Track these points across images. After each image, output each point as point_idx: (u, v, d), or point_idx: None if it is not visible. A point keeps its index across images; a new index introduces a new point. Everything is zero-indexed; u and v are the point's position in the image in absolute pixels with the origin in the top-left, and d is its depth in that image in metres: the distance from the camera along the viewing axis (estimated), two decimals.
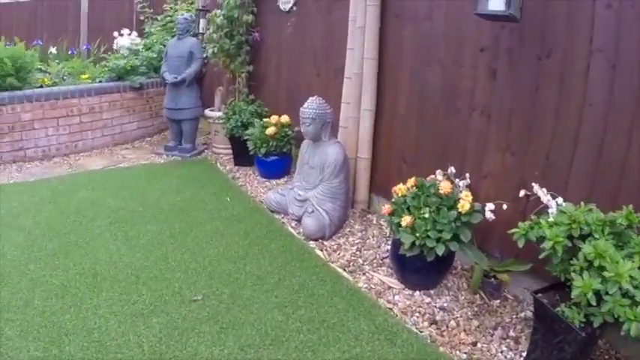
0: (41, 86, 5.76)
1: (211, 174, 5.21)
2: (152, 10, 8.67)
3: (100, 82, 6.17)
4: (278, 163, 4.95)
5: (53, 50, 7.30)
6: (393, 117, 4.01)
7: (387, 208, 3.14)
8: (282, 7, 5.32)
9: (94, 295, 2.85)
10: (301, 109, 3.88)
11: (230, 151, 5.71)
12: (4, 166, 5.49)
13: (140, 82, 6.35)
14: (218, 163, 5.66)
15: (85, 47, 8.01)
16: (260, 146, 4.80)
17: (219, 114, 5.84)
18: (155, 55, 6.85)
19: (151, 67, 6.82)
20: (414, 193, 3.08)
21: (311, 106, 3.84)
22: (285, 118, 4.89)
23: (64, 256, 3.31)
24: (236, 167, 5.49)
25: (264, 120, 4.99)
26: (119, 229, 3.74)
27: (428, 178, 3.25)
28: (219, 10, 5.74)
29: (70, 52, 7.43)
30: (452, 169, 3.30)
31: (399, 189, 3.16)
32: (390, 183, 4.12)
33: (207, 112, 6.08)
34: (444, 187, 2.97)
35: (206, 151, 6.20)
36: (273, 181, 4.98)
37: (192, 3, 8.58)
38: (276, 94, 5.72)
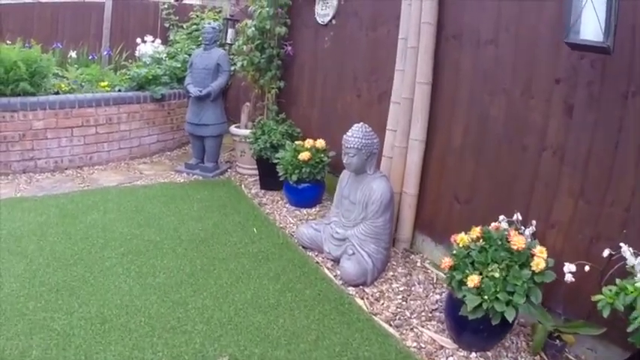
0: (57, 92, 5.46)
1: (235, 198, 4.82)
2: (177, 18, 8.46)
3: (120, 90, 5.86)
4: (310, 191, 4.55)
5: (73, 54, 7.03)
6: (446, 150, 3.60)
7: (447, 261, 2.71)
8: (319, 19, 4.97)
9: (102, 349, 2.45)
10: (345, 137, 3.46)
11: (256, 171, 5.35)
12: (13, 177, 5.19)
13: (162, 93, 6.03)
14: (242, 186, 5.28)
15: (106, 53, 7.75)
16: (292, 172, 4.41)
17: (246, 132, 5.47)
18: (179, 65, 6.55)
19: (174, 78, 6.51)
20: (479, 247, 2.65)
21: (356, 134, 3.40)
22: (320, 143, 4.49)
23: (68, 293, 2.93)
24: (262, 191, 5.10)
25: (297, 143, 4.60)
26: (132, 263, 3.35)
27: (491, 226, 2.81)
28: (251, 21, 5.41)
29: (90, 58, 7.16)
30: (518, 216, 2.86)
31: (461, 239, 2.73)
32: (437, 221, 3.72)
33: (233, 129, 5.72)
34: (517, 242, 2.53)
35: (229, 170, 5.83)
36: (304, 211, 4.57)
37: (219, 12, 8.33)
38: (308, 114, 5.35)
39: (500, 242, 2.64)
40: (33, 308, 2.75)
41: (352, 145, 3.38)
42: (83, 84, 5.94)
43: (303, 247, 3.80)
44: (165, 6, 8.53)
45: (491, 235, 2.68)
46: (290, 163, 4.44)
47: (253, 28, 5.33)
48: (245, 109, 5.82)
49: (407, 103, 3.69)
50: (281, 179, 4.55)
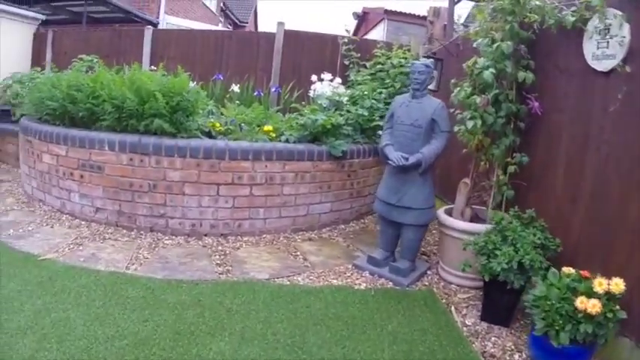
0: (209, 133, 4.49)
1: (446, 338, 3.12)
2: (359, 55, 7.21)
3: (287, 141, 4.61)
4: (579, 356, 2.71)
5: (235, 88, 6.10)
6: None
7: None
8: (594, 63, 3.22)
9: None
10: None
11: (470, 281, 3.76)
12: (136, 234, 4.36)
13: (343, 150, 4.66)
14: (453, 308, 3.58)
15: (274, 90, 6.77)
16: (560, 327, 2.61)
17: (466, 226, 3.84)
18: (366, 114, 5.18)
19: (358, 129, 5.16)
20: None
21: None
22: (617, 286, 2.63)
23: None
24: (484, 324, 3.36)
25: (567, 272, 2.81)
26: None
27: None
28: (483, 59, 3.85)
29: (255, 94, 6.17)
30: None
31: None
32: None
33: (443, 216, 4.08)
34: None
35: (429, 272, 4.18)
36: None
37: (408, 50, 6.99)
38: (565, 213, 3.50)
39: None
40: None
41: None
42: (243, 126, 4.81)
43: None
44: (346, 40, 7.39)
45: None
46: (557, 311, 2.66)
47: (491, 71, 3.75)
48: (462, 189, 4.18)
49: None
50: (536, 333, 2.77)
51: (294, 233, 4.69)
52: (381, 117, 5.53)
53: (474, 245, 3.41)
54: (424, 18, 12.35)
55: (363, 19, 19.42)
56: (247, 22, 24.99)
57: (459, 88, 4.09)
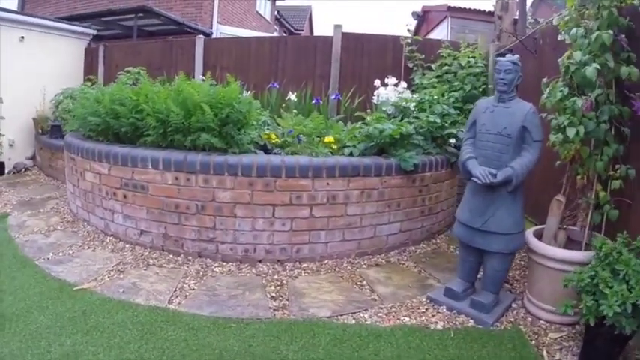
0: (264, 146, 4.04)
1: None
2: (423, 56, 6.63)
3: (352, 154, 4.10)
4: None
5: (292, 97, 5.64)
6: None
7: None
8: None
9: None
10: None
11: (565, 319, 3.16)
12: (183, 260, 3.99)
13: (415, 163, 4.10)
14: (544, 352, 2.93)
15: (334, 97, 6.28)
16: None
17: (559, 253, 3.20)
18: (438, 121, 4.61)
19: (428, 138, 4.59)
20: None
21: None
22: None
23: None
24: None
25: None
26: None
27: None
28: (578, 53, 3.22)
29: (314, 102, 5.69)
30: None
31: None
32: None
33: (532, 239, 3.44)
34: None
35: (514, 305, 3.54)
36: None
37: (476, 48, 6.37)
38: None
39: None
40: None
41: None
42: (301, 137, 4.34)
43: None
44: (408, 41, 6.82)
45: None
46: None
47: (594, 66, 3.10)
48: (555, 208, 3.52)
49: None
50: None
51: (358, 258, 4.16)
52: (453, 124, 4.97)
53: (577, 282, 2.77)
54: (490, 13, 11.69)
55: (424, 18, 18.55)
56: (302, 30, 24.82)
57: (549, 88, 3.47)
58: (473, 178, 3.23)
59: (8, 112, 7.48)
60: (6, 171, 7.62)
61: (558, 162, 3.60)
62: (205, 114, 3.74)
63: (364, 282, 3.74)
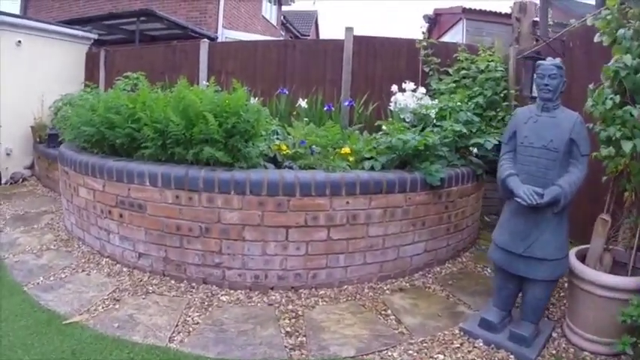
0: (274, 158, 3.62)
1: None
2: (439, 60, 6.22)
3: (373, 168, 3.69)
4: None
5: (303, 103, 5.25)
6: None
7: None
8: None
9: None
10: None
11: (610, 349, 2.75)
12: (186, 287, 3.58)
13: (442, 177, 3.68)
14: None
15: (347, 103, 5.85)
16: None
17: (606, 279, 2.80)
18: (464, 130, 4.20)
19: (453, 149, 4.19)
20: None
21: None
22: None
23: None
24: None
25: None
26: None
27: None
28: (629, 56, 2.84)
29: (325, 109, 5.28)
30: None
31: None
32: None
33: (576, 263, 3.02)
34: None
35: (554, 334, 3.11)
36: None
37: (494, 51, 5.98)
38: None
39: None
40: None
41: None
42: (314, 148, 3.94)
43: None
44: (424, 44, 6.40)
45: None
46: None
47: None
48: (600, 228, 3.09)
49: None
50: None
51: (380, 282, 3.74)
52: (478, 132, 4.56)
53: (637, 317, 2.37)
54: (507, 15, 11.22)
55: (435, 21, 17.98)
56: (309, 35, 24.41)
57: (595, 95, 3.05)
58: (516, 198, 2.81)
59: (6, 119, 7.12)
60: (2, 181, 7.25)
61: (605, 177, 3.19)
62: (209, 124, 3.32)
63: (389, 311, 3.33)
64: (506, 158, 3.06)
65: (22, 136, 7.68)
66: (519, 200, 2.77)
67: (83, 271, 3.85)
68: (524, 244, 2.88)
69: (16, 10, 12.82)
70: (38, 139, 7.55)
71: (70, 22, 9.15)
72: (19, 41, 7.42)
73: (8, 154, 7.43)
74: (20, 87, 7.38)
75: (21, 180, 7.41)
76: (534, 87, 4.24)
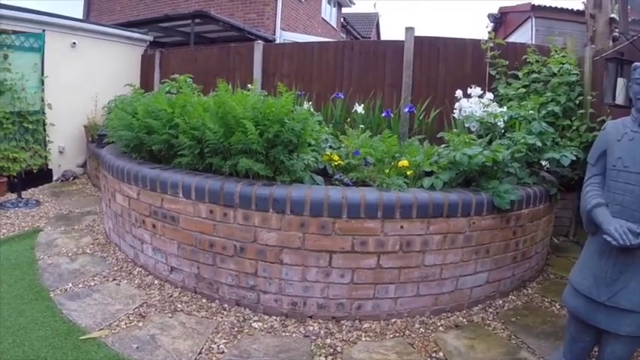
0: (323, 169, 3.27)
1: None
2: (507, 62, 5.64)
3: (433, 186, 3.22)
4: None
5: (359, 109, 4.84)
6: None
7: None
8: None
9: None
10: None
11: None
12: (217, 308, 3.26)
13: (512, 199, 3.18)
14: None
15: (407, 109, 5.37)
16: None
17: None
18: (539, 144, 3.68)
19: (524, 164, 3.68)
20: None
21: None
22: None
23: None
24: None
25: None
26: None
27: None
28: None
29: (383, 115, 4.87)
30: None
31: None
32: None
33: None
34: None
35: None
36: None
37: (566, 52, 5.36)
38: None
39: None
40: None
41: None
42: (368, 159, 3.53)
43: None
44: (491, 44, 5.82)
45: None
46: None
47: None
48: None
49: None
50: None
51: (434, 316, 3.26)
52: (553, 145, 4.00)
53: None
54: (580, 13, 10.29)
55: (501, 20, 16.81)
56: (370, 37, 23.90)
57: None
58: (604, 235, 2.28)
59: (59, 119, 7.09)
60: (54, 178, 7.26)
61: None
62: (248, 133, 2.96)
63: (440, 353, 2.84)
64: (592, 183, 2.53)
65: (76, 135, 7.71)
66: (609, 239, 2.25)
67: (114, 280, 3.62)
68: (609, 291, 2.34)
69: (79, 14, 13.09)
70: (90, 139, 7.54)
71: (128, 25, 9.18)
72: (74, 43, 7.44)
73: (61, 152, 7.44)
74: (74, 87, 7.39)
75: (72, 178, 7.40)
76: (617, 93, 3.69)
